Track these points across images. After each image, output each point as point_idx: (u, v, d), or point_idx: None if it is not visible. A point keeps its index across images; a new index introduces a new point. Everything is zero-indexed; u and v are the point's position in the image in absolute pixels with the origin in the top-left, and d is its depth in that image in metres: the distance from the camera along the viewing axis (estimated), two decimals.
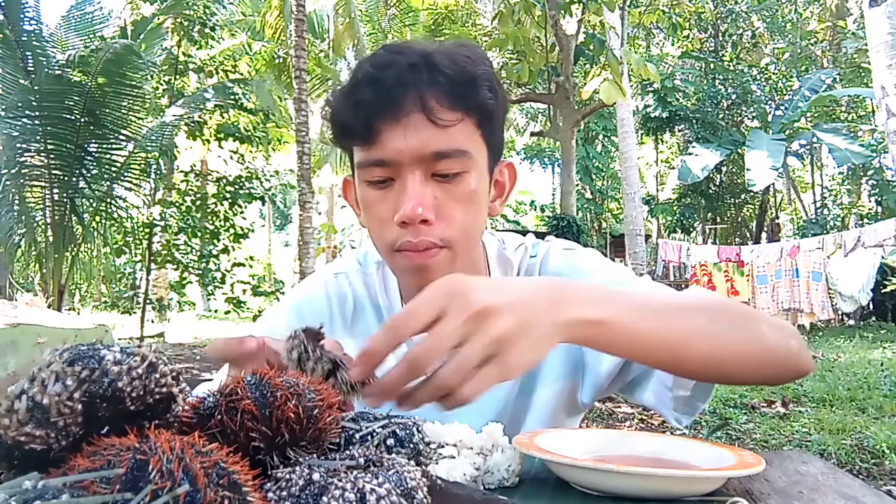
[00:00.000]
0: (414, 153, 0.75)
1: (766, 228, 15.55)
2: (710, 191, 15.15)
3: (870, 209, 14.55)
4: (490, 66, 0.80)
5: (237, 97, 7.76)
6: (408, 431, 0.58)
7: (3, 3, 5.49)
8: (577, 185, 10.90)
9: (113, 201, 6.50)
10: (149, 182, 7.75)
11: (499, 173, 0.87)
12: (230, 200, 8.50)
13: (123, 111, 6.25)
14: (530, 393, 0.90)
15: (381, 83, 0.75)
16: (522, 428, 0.90)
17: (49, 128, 5.87)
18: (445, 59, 0.76)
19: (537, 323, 0.58)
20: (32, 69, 5.78)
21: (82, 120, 5.94)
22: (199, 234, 8.36)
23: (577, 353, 0.89)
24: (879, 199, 13.63)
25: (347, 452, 0.48)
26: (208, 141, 8.48)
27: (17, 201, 5.93)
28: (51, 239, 6.07)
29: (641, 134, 15.05)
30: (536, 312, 0.58)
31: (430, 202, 0.76)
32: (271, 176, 12.44)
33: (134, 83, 6.17)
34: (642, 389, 0.86)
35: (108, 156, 6.40)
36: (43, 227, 6.14)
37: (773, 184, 14.13)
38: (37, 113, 5.80)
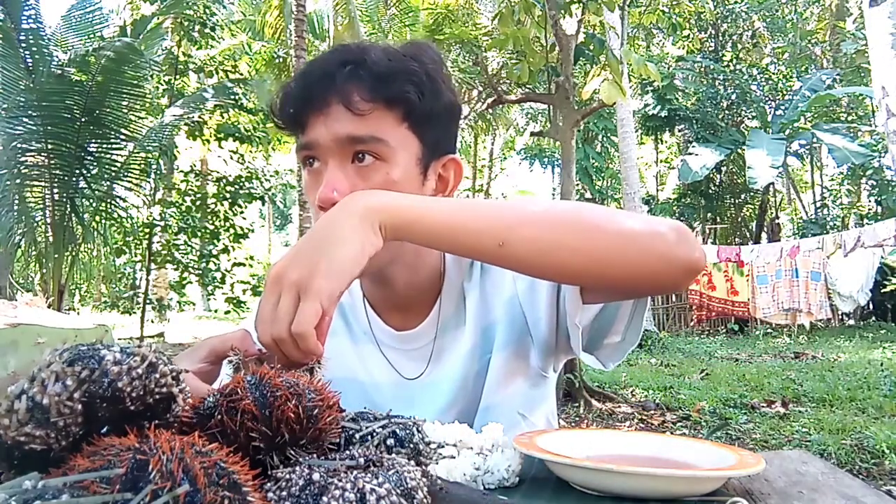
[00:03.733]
0: (332, 137, 0.80)
1: (765, 228, 15.54)
2: (710, 191, 15.14)
3: (870, 209, 14.54)
4: (430, 64, 0.84)
5: (237, 97, 7.76)
6: (408, 431, 0.59)
7: (3, 2, 5.48)
8: (577, 185, 10.91)
9: (113, 201, 6.49)
10: (149, 182, 7.74)
11: (442, 168, 0.89)
12: (230, 200, 8.50)
13: (124, 111, 6.23)
14: (485, 367, 0.93)
15: (309, 78, 0.83)
16: (483, 397, 0.92)
17: (49, 127, 5.85)
18: (377, 57, 0.82)
19: (329, 234, 0.66)
20: (32, 69, 5.77)
21: (83, 119, 5.93)
22: (199, 234, 8.36)
23: (519, 319, 0.92)
24: (879, 199, 13.62)
25: (347, 452, 0.48)
26: (208, 141, 8.47)
27: (17, 201, 5.92)
28: (51, 239, 6.06)
29: (641, 134, 15.04)
30: (324, 229, 0.66)
31: (346, 188, 0.79)
32: (271, 176, 12.45)
33: (135, 83, 6.16)
34: (570, 337, 0.89)
35: (108, 155, 6.39)
36: (43, 227, 6.13)
37: (773, 184, 14.12)
38: (37, 113, 5.79)
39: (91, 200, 6.30)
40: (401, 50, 0.85)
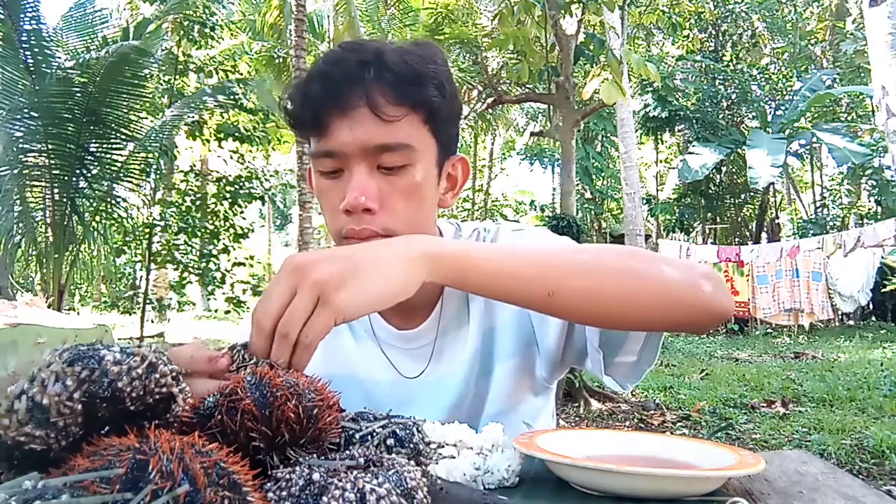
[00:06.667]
0: (359, 145, 0.79)
1: (766, 228, 15.53)
2: (710, 191, 15.14)
3: (869, 209, 14.54)
4: (444, 65, 0.85)
5: (237, 97, 7.76)
6: (408, 431, 0.59)
7: (4, 2, 5.48)
8: (577, 185, 10.91)
9: (113, 201, 6.49)
10: (149, 182, 7.74)
11: (451, 167, 0.90)
12: (230, 200, 8.50)
13: (124, 111, 6.23)
14: (489, 372, 0.93)
15: (331, 78, 0.80)
16: (486, 406, 0.93)
17: (50, 128, 5.85)
18: (396, 58, 0.81)
19: (372, 261, 0.64)
20: (33, 69, 5.77)
21: (83, 119, 5.93)
22: (199, 233, 8.36)
23: (527, 328, 0.92)
24: (879, 199, 13.61)
25: (347, 452, 0.48)
26: (208, 141, 8.47)
27: (17, 201, 5.92)
28: (51, 239, 6.06)
29: (641, 134, 15.03)
30: (368, 253, 0.65)
31: (374, 192, 0.79)
32: (271, 176, 12.44)
33: (135, 83, 6.16)
34: (586, 358, 0.89)
35: (108, 156, 6.39)
36: (43, 227, 6.13)
37: (773, 184, 14.11)
38: (38, 113, 5.79)
39: (91, 200, 6.30)
40: (413, 50, 0.84)
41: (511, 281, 0.70)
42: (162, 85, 8.25)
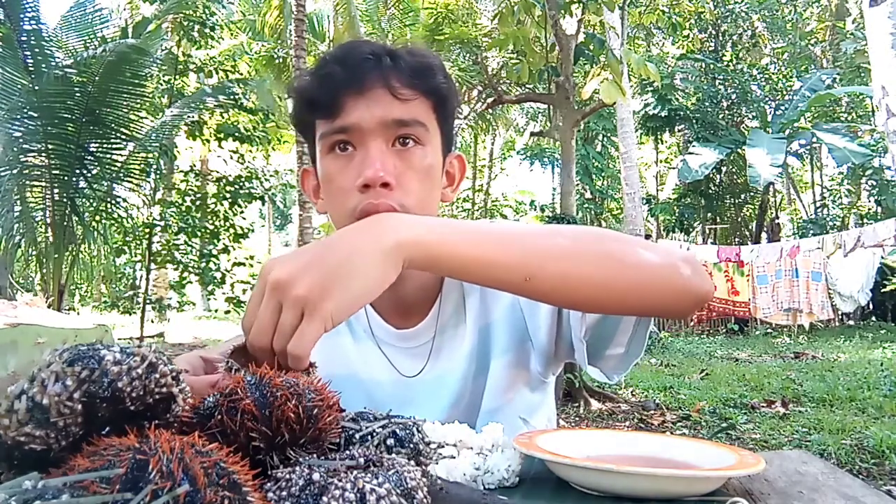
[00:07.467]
0: (377, 120, 0.81)
1: (765, 228, 15.53)
2: (710, 190, 15.14)
3: (869, 209, 14.54)
4: (443, 66, 0.90)
5: (237, 97, 7.76)
6: (408, 431, 0.58)
7: (3, 2, 5.48)
8: (577, 185, 10.90)
9: (113, 201, 6.49)
10: (149, 182, 7.74)
11: (449, 164, 0.94)
12: (230, 200, 8.50)
13: (124, 111, 6.23)
14: (485, 369, 0.93)
15: (347, 63, 0.83)
16: (484, 402, 0.93)
17: (49, 127, 5.85)
18: (405, 52, 0.87)
19: (347, 261, 0.61)
20: (33, 69, 5.77)
21: (83, 119, 5.93)
22: (199, 233, 8.36)
23: (520, 324, 0.93)
24: (879, 199, 13.62)
25: (347, 452, 0.48)
26: (208, 141, 8.47)
27: (17, 201, 5.92)
28: (51, 239, 6.06)
29: (641, 134, 15.03)
30: (341, 252, 0.62)
31: (392, 168, 0.81)
32: (271, 176, 12.44)
33: (135, 82, 6.16)
34: (576, 351, 0.89)
35: (108, 156, 6.39)
36: (43, 227, 6.13)
37: (773, 184, 14.11)
38: (37, 113, 5.79)
39: (91, 200, 6.30)
40: (417, 49, 0.89)
41: (488, 267, 0.69)
42: (162, 85, 8.25)
